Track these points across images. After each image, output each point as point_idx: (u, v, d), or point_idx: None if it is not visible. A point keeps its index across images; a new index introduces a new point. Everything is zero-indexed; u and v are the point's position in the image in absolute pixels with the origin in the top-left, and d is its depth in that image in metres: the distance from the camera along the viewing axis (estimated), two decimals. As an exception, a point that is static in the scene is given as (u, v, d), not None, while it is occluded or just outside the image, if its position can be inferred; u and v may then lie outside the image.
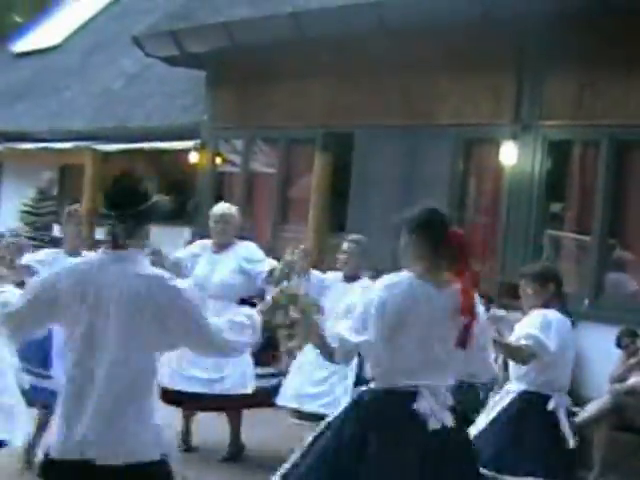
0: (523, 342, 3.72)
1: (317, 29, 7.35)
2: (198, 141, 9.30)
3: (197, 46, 8.67)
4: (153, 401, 2.62)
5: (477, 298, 2.93)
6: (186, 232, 9.37)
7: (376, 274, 5.16)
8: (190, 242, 7.82)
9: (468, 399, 4.86)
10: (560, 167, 6.79)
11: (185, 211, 9.77)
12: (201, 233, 9.17)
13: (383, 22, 6.79)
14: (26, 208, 10.21)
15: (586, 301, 6.23)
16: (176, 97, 10.42)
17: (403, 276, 2.88)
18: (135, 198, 2.70)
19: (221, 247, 5.21)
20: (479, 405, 4.65)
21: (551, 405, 3.82)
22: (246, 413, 5.40)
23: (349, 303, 4.53)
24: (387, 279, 2.88)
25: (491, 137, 6.95)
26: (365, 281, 4.89)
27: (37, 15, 18.62)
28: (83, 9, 15.47)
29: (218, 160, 9.30)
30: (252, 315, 2.80)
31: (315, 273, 5.08)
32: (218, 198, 9.37)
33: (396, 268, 2.99)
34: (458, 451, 2.86)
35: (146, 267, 2.68)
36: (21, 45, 15.83)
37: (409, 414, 2.77)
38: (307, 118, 8.16)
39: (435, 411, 2.78)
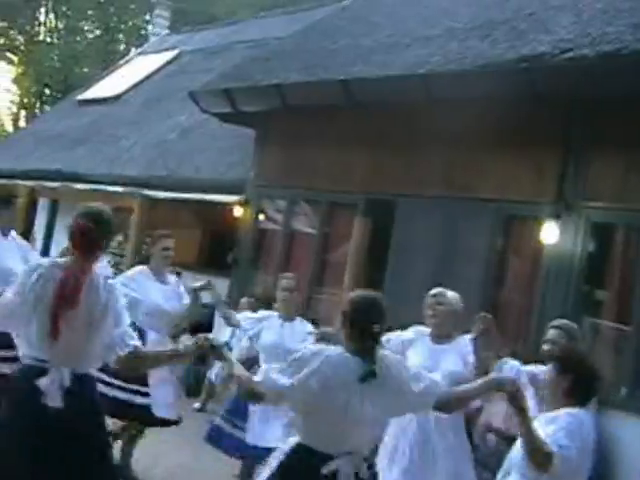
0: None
1: (366, 97, 7.48)
2: (243, 196, 9.47)
3: (249, 105, 8.89)
4: None
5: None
6: (224, 283, 9.46)
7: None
8: (228, 294, 7.96)
9: None
10: (602, 250, 6.66)
11: (224, 263, 9.89)
12: (238, 285, 9.29)
13: (431, 94, 6.87)
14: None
15: (623, 390, 6.05)
16: (225, 153, 10.67)
17: None
18: None
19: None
20: None
21: None
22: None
23: None
24: None
25: (532, 215, 6.87)
26: None
27: (102, 67, 19.42)
28: (144, 65, 16.12)
29: (261, 216, 9.43)
30: None
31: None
32: (258, 253, 9.54)
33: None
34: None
35: None
36: (84, 94, 16.49)
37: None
38: (350, 183, 8.23)
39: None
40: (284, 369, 3.04)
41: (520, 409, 3.05)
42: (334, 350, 3.07)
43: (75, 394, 3.10)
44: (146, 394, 5.14)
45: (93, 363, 3.27)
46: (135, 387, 5.08)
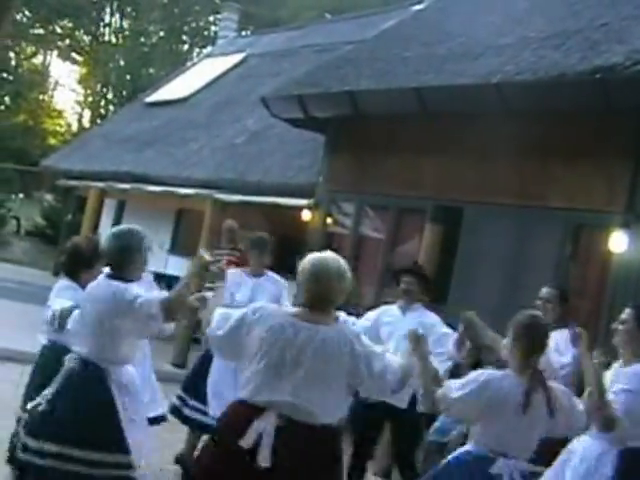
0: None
1: (438, 105, 7.58)
2: (312, 200, 9.63)
3: (321, 111, 9.06)
4: None
5: None
6: (291, 286, 9.60)
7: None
8: (295, 297, 8.06)
9: None
10: (672, 261, 6.66)
11: (292, 266, 10.03)
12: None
13: (505, 103, 6.95)
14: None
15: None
16: (294, 157, 10.84)
17: None
18: None
19: None
20: None
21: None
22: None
23: None
24: None
25: (602, 224, 6.87)
26: None
27: (170, 69, 19.80)
28: (212, 67, 16.41)
29: (329, 220, 9.56)
30: None
31: None
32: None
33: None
34: None
35: None
36: (152, 96, 16.87)
37: None
38: (419, 189, 8.34)
39: None
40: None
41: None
42: None
43: None
44: None
45: None
46: None
